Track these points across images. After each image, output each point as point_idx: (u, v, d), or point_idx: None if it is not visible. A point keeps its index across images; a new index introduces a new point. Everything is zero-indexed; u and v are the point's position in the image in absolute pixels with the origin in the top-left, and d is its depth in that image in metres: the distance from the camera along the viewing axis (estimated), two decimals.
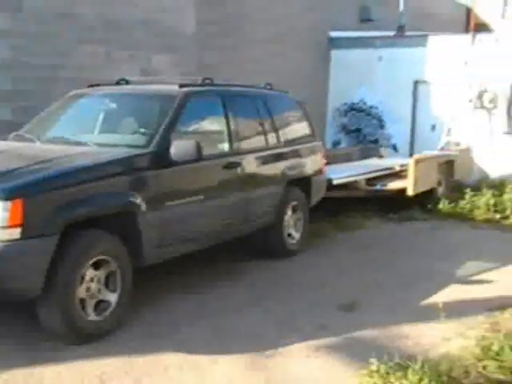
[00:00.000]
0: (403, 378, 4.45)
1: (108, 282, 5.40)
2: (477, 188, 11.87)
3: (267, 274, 7.45)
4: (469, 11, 21.40)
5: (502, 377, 4.60)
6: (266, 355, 5.12)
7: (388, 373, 4.52)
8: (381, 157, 13.94)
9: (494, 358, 4.87)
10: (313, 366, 4.99)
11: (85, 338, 5.19)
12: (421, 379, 4.40)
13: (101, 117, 6.95)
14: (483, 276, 7.63)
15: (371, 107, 15.42)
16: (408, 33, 15.50)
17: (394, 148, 15.17)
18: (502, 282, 7.34)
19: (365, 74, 15.13)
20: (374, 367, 4.59)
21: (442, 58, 14.26)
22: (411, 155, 14.15)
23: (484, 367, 4.76)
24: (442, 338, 5.56)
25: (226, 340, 5.42)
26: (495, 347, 5.05)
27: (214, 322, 5.83)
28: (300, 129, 8.83)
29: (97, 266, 5.26)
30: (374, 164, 12.41)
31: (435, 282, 7.25)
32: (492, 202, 11.06)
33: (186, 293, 6.56)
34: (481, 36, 14.11)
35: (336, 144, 15.87)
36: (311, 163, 8.77)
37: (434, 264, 8.07)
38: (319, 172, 9.01)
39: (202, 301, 6.39)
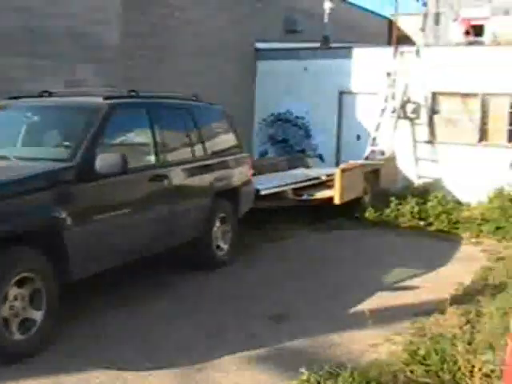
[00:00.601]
0: None
1: (33, 300, 5.23)
2: (402, 196, 12.11)
3: (197, 286, 7.41)
4: (391, 24, 22.01)
5: (428, 380, 4.68)
6: (197, 369, 5.08)
7: (319, 382, 4.54)
8: (307, 167, 14.05)
9: (421, 363, 4.96)
10: (244, 378, 4.97)
11: (10, 358, 5.02)
12: None
13: (23, 130, 6.75)
14: (408, 282, 7.81)
15: (297, 118, 15.59)
16: (333, 44, 15.74)
17: (321, 158, 15.35)
18: (426, 287, 7.52)
19: (291, 85, 15.29)
20: (304, 377, 4.60)
21: (366, 70, 14.56)
22: (337, 165, 14.39)
23: (411, 371, 4.84)
24: (371, 345, 5.64)
25: (157, 354, 5.35)
26: (422, 352, 5.14)
27: (144, 336, 5.74)
28: (227, 140, 8.84)
29: (21, 283, 5.10)
30: (300, 174, 12.52)
31: (362, 289, 7.36)
32: (416, 209, 11.32)
33: (116, 307, 6.44)
34: (403, 48, 14.47)
35: (263, 154, 15.95)
36: (238, 174, 8.78)
37: (361, 272, 8.20)
38: (247, 183, 9.03)
39: (133, 315, 6.29)
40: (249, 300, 6.92)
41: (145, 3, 12.13)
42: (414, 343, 5.43)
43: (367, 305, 6.68)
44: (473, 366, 4.75)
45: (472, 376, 4.64)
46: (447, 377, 4.67)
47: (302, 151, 15.49)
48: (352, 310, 6.62)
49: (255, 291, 7.27)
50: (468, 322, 5.82)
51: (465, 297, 6.86)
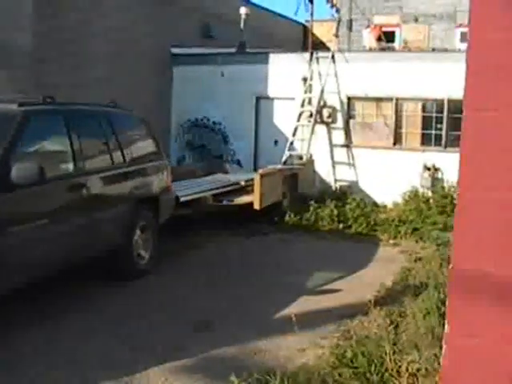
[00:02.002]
0: None
1: None
2: (321, 199, 12.26)
3: (119, 296, 7.22)
4: (305, 31, 22.32)
5: (356, 383, 4.71)
6: (124, 382, 4.93)
7: None
8: (226, 172, 14.03)
9: (349, 365, 4.99)
10: None
11: None
12: None
13: None
14: (331, 285, 7.87)
15: (215, 123, 15.54)
16: (249, 50, 15.79)
17: (239, 163, 15.37)
18: (349, 290, 7.60)
19: (208, 91, 15.24)
20: None
21: (282, 75, 14.67)
22: (255, 170, 14.43)
23: (340, 375, 4.86)
24: (298, 350, 5.64)
25: (82, 369, 5.16)
26: (349, 354, 5.18)
27: (69, 351, 5.54)
28: (146, 147, 8.69)
29: None
30: (219, 180, 12.48)
31: (287, 294, 7.36)
32: (335, 212, 11.46)
33: (35, 324, 6.15)
34: (318, 54, 14.66)
35: (181, 160, 15.83)
36: (158, 181, 8.65)
37: (284, 276, 8.21)
38: (167, 190, 8.90)
39: (57, 329, 6.05)
40: (173, 308, 6.80)
41: (60, 8, 11.83)
42: (341, 346, 5.46)
43: (292, 310, 6.67)
44: (399, 366, 4.82)
45: (399, 376, 4.71)
46: (375, 378, 4.71)
47: (220, 157, 15.47)
48: (278, 315, 6.60)
49: (179, 300, 7.15)
50: (392, 322, 5.89)
51: (387, 298, 6.97)
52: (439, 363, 4.59)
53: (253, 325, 6.31)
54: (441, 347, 5.01)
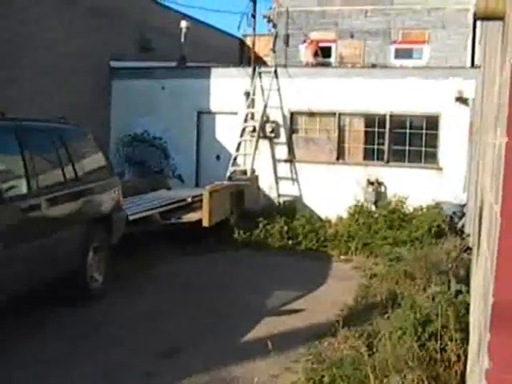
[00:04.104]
0: None
1: None
2: (266, 215, 12.11)
3: (78, 321, 6.85)
4: (242, 45, 22.31)
5: None
6: None
7: None
8: (169, 188, 13.75)
9: None
10: None
11: None
12: None
13: None
14: (293, 305, 7.74)
15: (155, 138, 15.21)
16: (189, 63, 15.58)
17: (180, 179, 15.09)
18: (311, 309, 7.49)
19: (148, 105, 14.94)
20: None
21: (224, 89, 14.52)
22: (197, 185, 14.23)
23: None
24: (271, 375, 5.49)
25: None
26: (327, 379, 5.05)
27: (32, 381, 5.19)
28: (97, 164, 8.35)
29: None
30: (165, 196, 12.18)
31: (248, 316, 7.19)
32: (285, 229, 11.36)
33: None
34: (261, 69, 14.60)
35: (120, 176, 15.33)
36: (111, 199, 8.34)
37: (242, 297, 8.02)
38: (119, 208, 8.59)
39: (6, 362, 5.65)
40: (134, 334, 6.50)
41: None
42: (316, 370, 5.32)
43: (259, 332, 6.52)
44: None
45: None
46: None
47: (161, 172, 15.15)
48: (246, 339, 6.41)
49: (139, 324, 6.85)
50: (364, 343, 5.79)
51: (352, 317, 6.87)
52: None
53: (222, 349, 6.10)
54: (423, 370, 4.99)
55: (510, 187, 2.29)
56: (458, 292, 6.57)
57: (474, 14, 5.41)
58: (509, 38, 2.74)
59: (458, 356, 5.17)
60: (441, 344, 5.28)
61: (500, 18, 3.12)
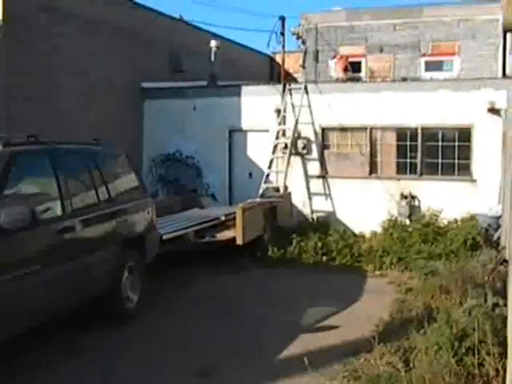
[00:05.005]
0: None
1: None
2: (300, 231, 12.13)
3: (111, 344, 6.84)
4: (271, 62, 22.44)
5: None
6: None
7: None
8: (202, 207, 13.83)
9: None
10: None
11: None
12: None
13: None
14: (327, 322, 7.70)
15: (187, 157, 15.36)
16: (220, 82, 15.71)
17: (213, 197, 15.19)
18: (347, 325, 7.43)
19: (180, 124, 15.10)
20: None
21: (255, 107, 14.62)
22: (231, 203, 14.28)
23: None
24: None
25: None
26: None
27: None
28: (130, 185, 8.44)
29: None
30: (198, 215, 12.26)
31: (286, 332, 7.18)
32: (319, 245, 11.34)
33: (24, 377, 5.82)
34: (291, 86, 14.66)
35: (154, 195, 15.51)
36: (144, 220, 8.42)
37: (278, 314, 8.00)
38: (152, 228, 8.67)
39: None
40: (170, 354, 6.52)
41: (28, 41, 11.60)
42: None
43: (295, 349, 6.51)
44: None
45: None
46: None
47: (194, 191, 15.26)
48: (281, 356, 6.40)
49: (175, 344, 6.88)
50: (400, 359, 5.74)
51: (388, 333, 6.82)
52: None
53: (257, 368, 6.08)
54: None
55: None
56: (495, 305, 6.48)
57: (503, 26, 5.38)
58: None
59: (497, 370, 5.10)
60: (478, 359, 5.20)
61: None
